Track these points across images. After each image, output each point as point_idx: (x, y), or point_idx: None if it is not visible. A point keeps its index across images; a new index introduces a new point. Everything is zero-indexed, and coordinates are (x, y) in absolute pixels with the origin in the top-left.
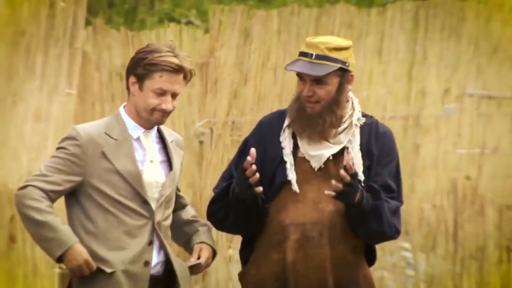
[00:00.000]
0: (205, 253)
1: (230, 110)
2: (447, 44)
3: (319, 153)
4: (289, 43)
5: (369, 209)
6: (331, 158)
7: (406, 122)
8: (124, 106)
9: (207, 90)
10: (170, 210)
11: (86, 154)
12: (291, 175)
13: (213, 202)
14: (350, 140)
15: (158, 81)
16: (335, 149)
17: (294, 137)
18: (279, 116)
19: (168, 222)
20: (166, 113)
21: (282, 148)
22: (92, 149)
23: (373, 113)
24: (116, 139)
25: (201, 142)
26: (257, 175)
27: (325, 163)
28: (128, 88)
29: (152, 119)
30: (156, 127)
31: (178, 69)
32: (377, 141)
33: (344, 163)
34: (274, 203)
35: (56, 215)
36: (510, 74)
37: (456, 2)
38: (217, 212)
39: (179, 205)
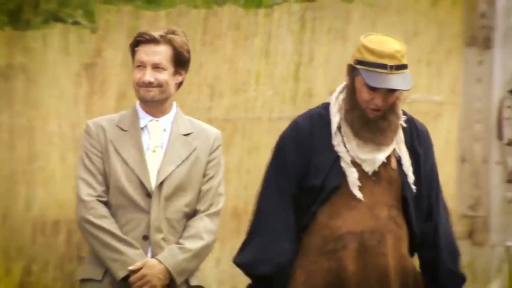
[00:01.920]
0: (145, 271)
1: (118, 111)
2: (334, 46)
3: (371, 156)
4: None
5: None
6: (385, 160)
7: None
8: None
9: (94, 90)
10: (179, 203)
11: (100, 144)
12: (354, 180)
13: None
14: (397, 141)
15: (136, 55)
16: (387, 151)
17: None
18: (318, 118)
19: (175, 216)
20: (149, 87)
21: (335, 153)
22: (103, 139)
23: (261, 114)
24: (126, 130)
25: None
26: None
27: None
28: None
29: (140, 96)
30: (170, 117)
31: (153, 39)
32: (419, 140)
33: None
34: (324, 209)
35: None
36: None
37: (342, 4)
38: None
39: (195, 213)
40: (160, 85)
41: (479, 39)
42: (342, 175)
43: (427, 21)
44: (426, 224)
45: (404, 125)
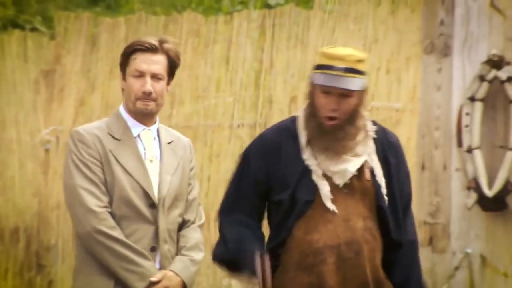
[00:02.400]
0: (166, 282)
1: (77, 118)
2: (294, 53)
3: (341, 168)
4: None
5: None
6: (356, 173)
7: (253, 130)
8: (121, 107)
9: (53, 97)
10: (175, 214)
11: (99, 154)
12: (327, 193)
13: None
14: (368, 152)
15: (133, 63)
16: (358, 162)
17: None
18: (285, 131)
19: (173, 226)
20: (149, 98)
21: (303, 166)
22: (101, 149)
23: (221, 121)
24: (119, 140)
25: (47, 150)
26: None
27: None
28: (122, 88)
29: (137, 108)
30: (156, 125)
31: (151, 48)
32: (390, 150)
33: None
34: (300, 224)
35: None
36: None
37: (302, 11)
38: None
39: (184, 223)
40: (156, 98)
41: (438, 46)
42: (314, 189)
43: (386, 28)
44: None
45: (374, 136)
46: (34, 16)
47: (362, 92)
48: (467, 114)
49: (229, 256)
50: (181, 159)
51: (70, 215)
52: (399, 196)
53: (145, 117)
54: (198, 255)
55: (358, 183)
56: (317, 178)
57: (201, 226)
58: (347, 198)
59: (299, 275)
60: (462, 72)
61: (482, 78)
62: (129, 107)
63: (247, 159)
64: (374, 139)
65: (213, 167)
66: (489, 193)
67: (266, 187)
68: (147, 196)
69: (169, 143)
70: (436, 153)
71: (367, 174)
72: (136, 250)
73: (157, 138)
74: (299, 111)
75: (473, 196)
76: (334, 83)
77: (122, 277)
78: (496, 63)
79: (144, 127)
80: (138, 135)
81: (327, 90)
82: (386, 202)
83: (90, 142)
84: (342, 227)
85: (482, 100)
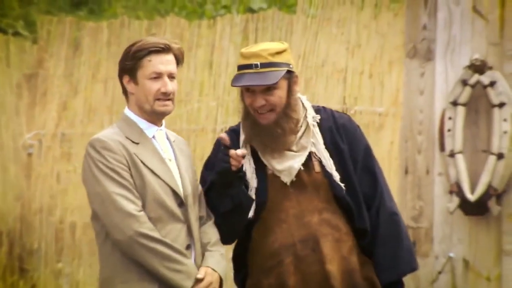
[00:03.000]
0: (209, 278)
1: (60, 122)
2: None
3: (287, 165)
4: (119, 55)
5: None
6: (302, 168)
7: None
8: (126, 111)
9: (35, 101)
10: (197, 211)
11: (126, 159)
12: (257, 203)
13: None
14: (313, 143)
15: (149, 65)
16: (302, 157)
17: (255, 154)
18: (234, 134)
19: (198, 223)
20: (169, 98)
21: (252, 168)
22: (127, 154)
23: (204, 125)
24: (137, 143)
25: (29, 154)
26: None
27: (296, 174)
28: (125, 91)
29: (156, 109)
30: (163, 126)
31: (165, 48)
32: (339, 134)
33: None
34: (257, 227)
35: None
36: (338, 87)
37: (285, 15)
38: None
39: (200, 220)
40: (173, 98)
41: (421, 50)
42: (265, 190)
43: (369, 33)
44: (369, 213)
45: (314, 123)
46: (16, 20)
47: (288, 83)
48: (449, 118)
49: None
50: (188, 157)
51: (105, 223)
52: (362, 177)
53: (159, 118)
54: (223, 250)
55: (308, 177)
56: (249, 176)
57: (214, 222)
58: (299, 194)
59: (260, 279)
60: (445, 77)
61: (464, 83)
62: (145, 109)
63: (206, 169)
64: (320, 127)
65: (197, 171)
66: (471, 197)
67: None
68: (176, 195)
69: (173, 141)
70: (419, 158)
71: (316, 167)
72: (178, 250)
73: (167, 138)
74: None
75: (456, 200)
76: (251, 81)
77: (169, 277)
78: (478, 67)
79: (157, 127)
80: (153, 136)
81: (250, 89)
82: (344, 190)
83: (115, 148)
84: (296, 225)
85: (464, 104)
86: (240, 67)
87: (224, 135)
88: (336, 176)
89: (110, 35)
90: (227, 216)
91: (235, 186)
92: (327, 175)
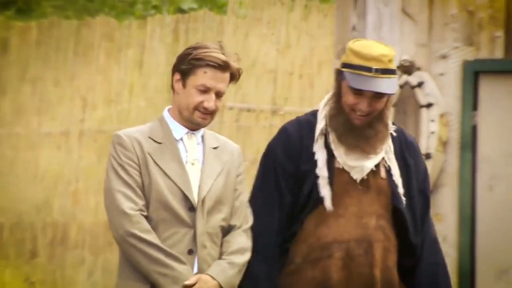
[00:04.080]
0: (200, 285)
1: None
2: None
3: (360, 164)
4: (48, 55)
5: None
6: (374, 168)
7: None
8: (169, 109)
9: None
10: (217, 218)
11: (137, 157)
12: (325, 192)
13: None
14: (387, 150)
15: (201, 77)
16: (376, 159)
17: (327, 146)
18: (306, 125)
19: (214, 230)
20: (208, 113)
21: (315, 162)
22: (140, 152)
23: (135, 125)
24: (160, 143)
25: None
26: None
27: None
28: (172, 86)
29: (194, 118)
30: (202, 130)
31: (223, 66)
32: (408, 150)
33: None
34: (311, 217)
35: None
36: (268, 88)
37: (215, 16)
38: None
39: (230, 229)
40: (215, 113)
41: None
42: (332, 183)
43: (299, 33)
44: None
45: (394, 134)
46: None
47: None
48: None
49: None
50: (226, 164)
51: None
52: (418, 198)
53: (193, 127)
54: (239, 258)
55: (374, 180)
56: (320, 177)
57: (248, 230)
58: (362, 194)
59: (303, 268)
60: None
61: None
62: (183, 115)
63: (271, 161)
64: (393, 138)
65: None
66: None
67: (293, 183)
68: (186, 198)
69: (215, 148)
70: None
71: (383, 173)
72: (170, 254)
73: (201, 143)
74: (320, 104)
75: None
76: (372, 86)
77: (155, 280)
78: (407, 68)
79: (188, 130)
80: (181, 138)
81: (360, 92)
82: (404, 203)
83: (129, 145)
84: (354, 223)
85: (393, 105)
86: (357, 67)
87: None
88: (401, 188)
89: (39, 35)
90: None
91: None
92: (392, 184)
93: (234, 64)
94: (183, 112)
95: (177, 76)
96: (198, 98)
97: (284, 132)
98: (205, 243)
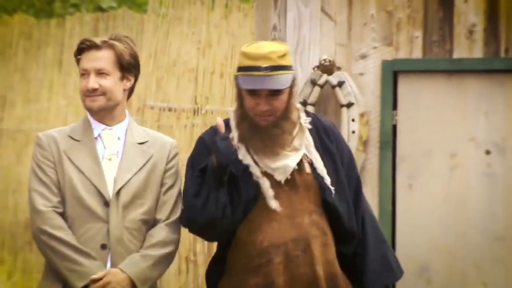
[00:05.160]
0: (109, 278)
1: None
2: None
3: (281, 164)
4: None
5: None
6: (295, 168)
7: None
8: None
9: None
10: (136, 212)
11: (53, 155)
12: (267, 191)
13: (196, 196)
14: (306, 145)
15: (80, 64)
16: (297, 157)
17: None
18: (227, 129)
19: (133, 225)
20: (94, 94)
21: (243, 166)
22: (55, 150)
23: (54, 124)
24: (78, 140)
25: None
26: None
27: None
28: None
29: (86, 106)
30: (124, 125)
31: (93, 45)
32: (328, 136)
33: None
34: (243, 225)
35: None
36: (189, 87)
37: (135, 15)
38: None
39: (156, 222)
40: (104, 92)
41: None
42: (256, 188)
43: (219, 32)
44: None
45: (309, 126)
46: None
47: (291, 86)
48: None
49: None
50: (152, 158)
51: None
52: (347, 181)
53: (102, 116)
54: (157, 251)
55: (300, 178)
56: (257, 176)
57: (172, 223)
58: (291, 194)
59: (245, 278)
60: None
61: (313, 83)
62: (84, 108)
63: (192, 166)
64: (310, 130)
65: None
66: None
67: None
68: (100, 194)
69: (141, 143)
70: None
71: (307, 168)
72: (80, 250)
73: (123, 137)
74: (231, 112)
75: None
76: (262, 84)
77: (64, 277)
78: (327, 68)
79: (105, 126)
80: (99, 135)
81: (255, 92)
82: (333, 193)
83: (45, 144)
84: (288, 224)
85: (314, 104)
86: (246, 68)
87: (220, 122)
88: (327, 179)
89: None
90: (221, 212)
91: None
92: (318, 178)
93: (113, 42)
94: (83, 105)
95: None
96: (82, 83)
97: (201, 141)
98: (121, 237)
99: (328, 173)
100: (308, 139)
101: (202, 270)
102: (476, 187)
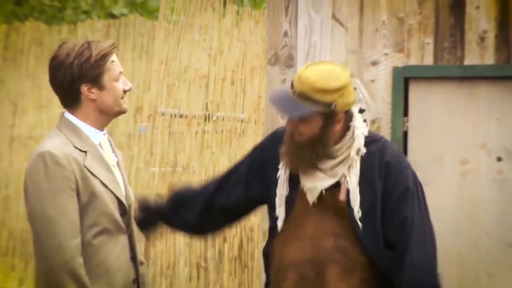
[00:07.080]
0: None
1: None
2: (139, 63)
3: (312, 185)
4: None
5: None
6: (323, 192)
7: None
8: (73, 115)
9: None
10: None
11: (74, 174)
12: (280, 211)
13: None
14: (346, 174)
15: (113, 67)
16: (330, 181)
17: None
18: (280, 137)
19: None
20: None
21: (275, 179)
22: (76, 166)
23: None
24: (85, 151)
25: None
26: None
27: (321, 196)
28: (74, 100)
29: (122, 107)
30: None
31: (115, 47)
32: (380, 172)
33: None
34: (278, 238)
35: None
36: (199, 93)
37: (147, 21)
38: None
39: None
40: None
41: (282, 57)
42: (294, 203)
43: (230, 39)
44: (390, 253)
45: (358, 156)
46: None
47: (324, 122)
48: None
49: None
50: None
51: None
52: (388, 219)
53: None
54: None
55: (332, 201)
56: (277, 195)
57: None
58: (320, 215)
59: None
60: None
61: None
62: (113, 111)
63: (252, 150)
64: (363, 160)
65: None
66: None
67: (257, 181)
68: (121, 204)
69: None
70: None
71: (342, 195)
72: None
73: (110, 145)
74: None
75: None
76: (281, 106)
77: None
78: None
79: (102, 133)
80: (100, 143)
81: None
82: (361, 228)
83: (66, 163)
84: (309, 245)
85: None
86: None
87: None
88: (357, 213)
89: None
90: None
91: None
92: (349, 208)
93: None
94: (111, 109)
95: (86, 87)
96: (119, 85)
97: (276, 132)
98: (139, 247)
99: (362, 206)
100: (354, 168)
101: (212, 276)
102: (487, 193)
